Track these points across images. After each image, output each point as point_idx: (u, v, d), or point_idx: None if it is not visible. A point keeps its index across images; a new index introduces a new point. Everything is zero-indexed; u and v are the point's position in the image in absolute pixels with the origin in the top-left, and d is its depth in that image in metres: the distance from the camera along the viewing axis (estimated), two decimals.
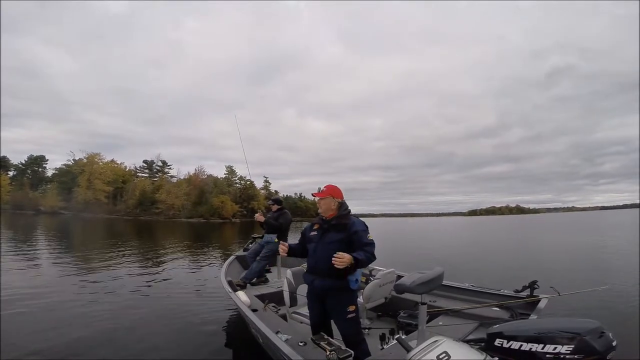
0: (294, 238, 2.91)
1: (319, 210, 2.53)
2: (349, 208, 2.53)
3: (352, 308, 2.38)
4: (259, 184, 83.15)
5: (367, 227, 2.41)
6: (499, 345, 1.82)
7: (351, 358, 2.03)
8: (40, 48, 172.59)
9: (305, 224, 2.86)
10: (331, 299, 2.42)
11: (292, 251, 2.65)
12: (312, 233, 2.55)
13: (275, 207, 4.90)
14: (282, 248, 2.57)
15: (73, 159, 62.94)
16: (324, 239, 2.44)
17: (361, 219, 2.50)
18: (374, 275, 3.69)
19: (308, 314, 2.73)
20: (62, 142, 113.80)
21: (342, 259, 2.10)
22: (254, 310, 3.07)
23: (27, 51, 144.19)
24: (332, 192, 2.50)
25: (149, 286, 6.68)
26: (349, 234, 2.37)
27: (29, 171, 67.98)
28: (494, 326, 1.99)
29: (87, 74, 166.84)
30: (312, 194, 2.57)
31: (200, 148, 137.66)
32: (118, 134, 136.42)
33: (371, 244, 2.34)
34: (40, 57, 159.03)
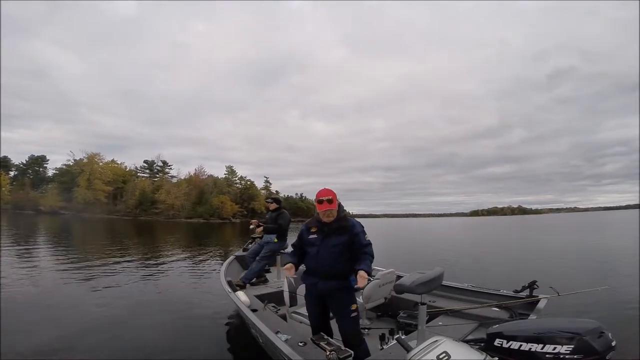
0: (293, 238, 2.90)
1: (325, 219, 2.44)
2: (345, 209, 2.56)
3: (354, 307, 2.42)
4: (259, 184, 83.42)
5: (363, 227, 2.46)
6: (499, 345, 1.83)
7: (351, 358, 2.03)
8: (49, 50, 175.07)
9: None
10: (334, 299, 2.44)
11: (298, 264, 2.56)
12: (312, 236, 2.50)
13: (273, 206, 4.88)
14: (291, 272, 2.43)
15: (73, 159, 63.06)
16: (327, 242, 2.42)
17: (363, 219, 2.50)
18: (374, 276, 3.69)
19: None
20: (67, 143, 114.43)
21: (363, 278, 2.13)
22: (254, 311, 3.08)
23: (36, 53, 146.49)
24: (336, 198, 2.46)
25: (148, 286, 6.67)
26: (351, 236, 2.40)
27: (29, 171, 68.03)
28: (494, 326, 2.00)
29: (94, 76, 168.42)
30: (321, 208, 2.40)
31: (203, 149, 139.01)
32: (123, 135, 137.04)
33: (370, 244, 2.40)
34: (49, 58, 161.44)
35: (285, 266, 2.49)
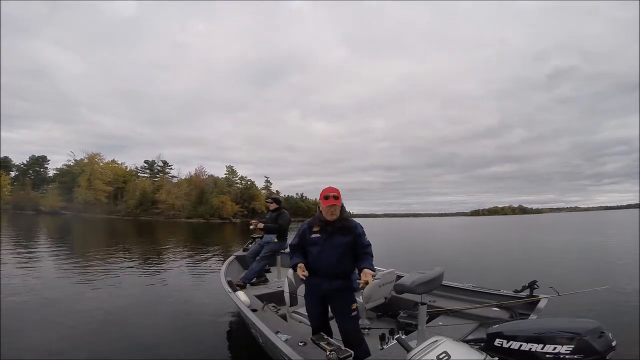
0: (292, 237, 2.89)
1: (329, 217, 2.43)
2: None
3: (354, 306, 2.44)
4: (260, 184, 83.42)
5: (363, 228, 2.50)
6: (499, 345, 1.83)
7: (351, 358, 2.03)
8: (49, 50, 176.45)
9: None
10: (336, 299, 2.45)
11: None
12: (315, 235, 2.49)
13: (273, 206, 4.88)
14: (305, 272, 2.36)
15: (74, 159, 63.04)
16: (330, 242, 2.42)
17: (364, 219, 2.50)
18: (374, 276, 3.69)
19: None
20: (67, 143, 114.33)
21: (366, 278, 2.18)
22: (254, 310, 3.08)
23: (36, 53, 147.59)
24: (340, 196, 2.46)
25: (148, 286, 6.68)
26: (355, 237, 2.43)
27: (30, 171, 68.09)
28: (494, 326, 2.00)
29: (94, 76, 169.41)
30: (327, 204, 2.38)
31: (203, 149, 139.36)
32: (123, 135, 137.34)
33: (370, 245, 2.45)
34: (49, 58, 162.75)
35: (299, 266, 2.38)
